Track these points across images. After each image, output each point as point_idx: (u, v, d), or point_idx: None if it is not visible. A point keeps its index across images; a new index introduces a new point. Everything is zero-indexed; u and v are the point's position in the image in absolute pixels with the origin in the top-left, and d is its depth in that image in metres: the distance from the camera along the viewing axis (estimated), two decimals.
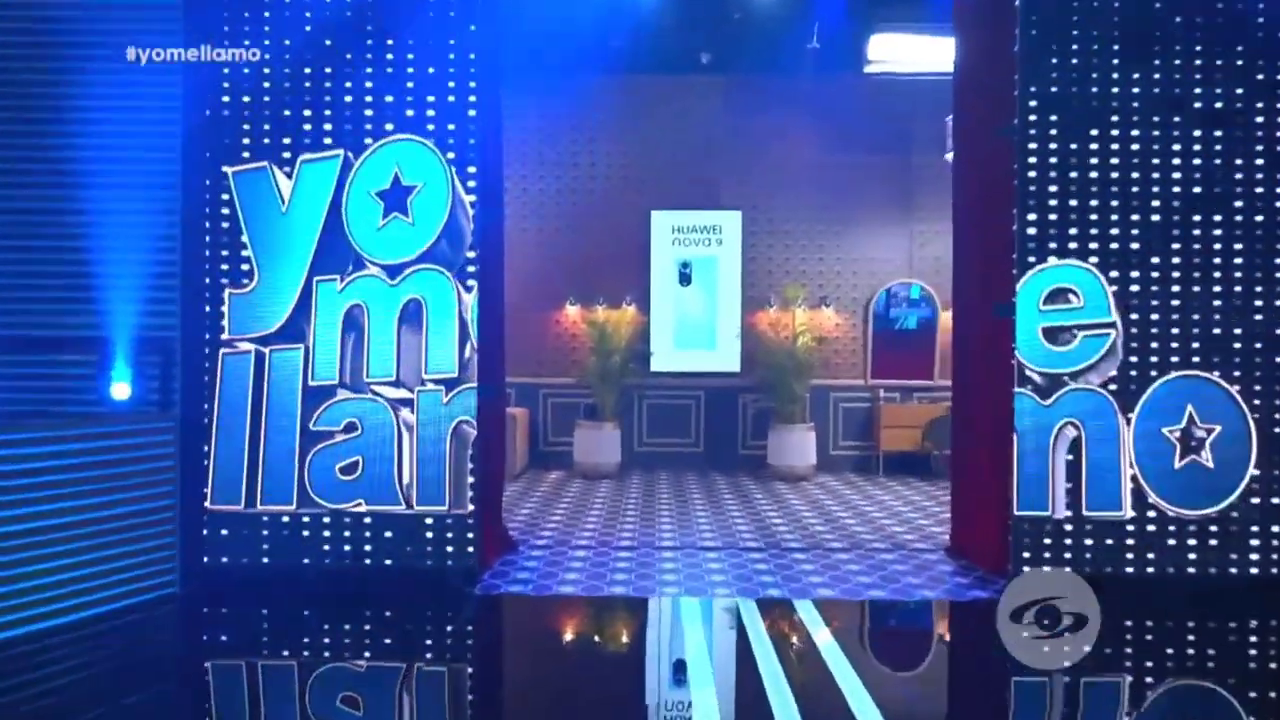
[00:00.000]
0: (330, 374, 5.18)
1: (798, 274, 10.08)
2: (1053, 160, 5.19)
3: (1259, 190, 5.16)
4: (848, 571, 5.62)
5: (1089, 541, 5.16)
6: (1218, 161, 5.16)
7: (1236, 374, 5.14)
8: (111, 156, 5.06)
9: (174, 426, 5.04)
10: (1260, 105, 5.16)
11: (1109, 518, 5.17)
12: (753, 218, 10.02)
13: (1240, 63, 5.16)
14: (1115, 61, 5.17)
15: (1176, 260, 5.18)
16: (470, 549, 5.17)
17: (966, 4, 6.16)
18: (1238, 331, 5.15)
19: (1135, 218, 5.18)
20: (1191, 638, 4.76)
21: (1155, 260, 5.18)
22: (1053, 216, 5.19)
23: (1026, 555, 5.18)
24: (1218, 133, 5.16)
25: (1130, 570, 5.13)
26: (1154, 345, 5.17)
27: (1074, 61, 5.19)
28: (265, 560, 5.14)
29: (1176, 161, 5.17)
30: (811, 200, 10.01)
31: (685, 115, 9.95)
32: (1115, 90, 5.17)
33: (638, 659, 4.49)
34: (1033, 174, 5.20)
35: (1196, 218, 5.17)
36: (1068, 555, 5.16)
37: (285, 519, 5.14)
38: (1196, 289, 5.17)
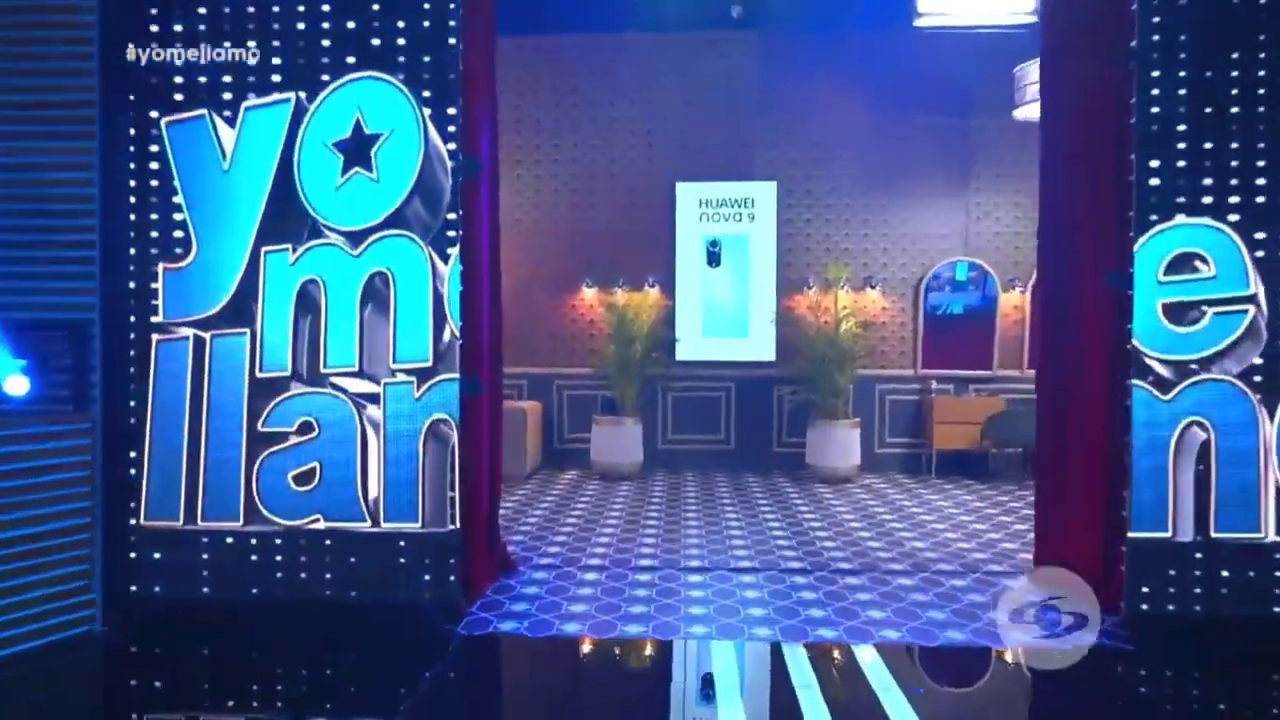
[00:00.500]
0: (282, 363, 4.27)
1: (840, 252, 9.02)
2: (1181, 92, 4.12)
3: None
4: (914, 603, 4.62)
5: (1225, 573, 4.11)
6: None
7: None
8: (6, 100, 4.15)
9: (92, 429, 4.15)
10: None
11: (1246, 539, 4.13)
12: (789, 189, 8.96)
13: None
14: None
15: None
16: (452, 577, 4.24)
17: None
18: None
19: None
20: None
21: None
22: (1181, 163, 4.12)
23: (1145, 590, 4.15)
24: None
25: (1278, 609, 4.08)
26: None
27: None
28: (206, 590, 4.26)
29: None
30: (855, 170, 8.94)
31: (714, 76, 8.90)
32: (1263, 1, 4.07)
33: None
34: (1155, 109, 4.12)
35: None
36: (1197, 590, 4.12)
37: (230, 539, 4.25)
38: None
